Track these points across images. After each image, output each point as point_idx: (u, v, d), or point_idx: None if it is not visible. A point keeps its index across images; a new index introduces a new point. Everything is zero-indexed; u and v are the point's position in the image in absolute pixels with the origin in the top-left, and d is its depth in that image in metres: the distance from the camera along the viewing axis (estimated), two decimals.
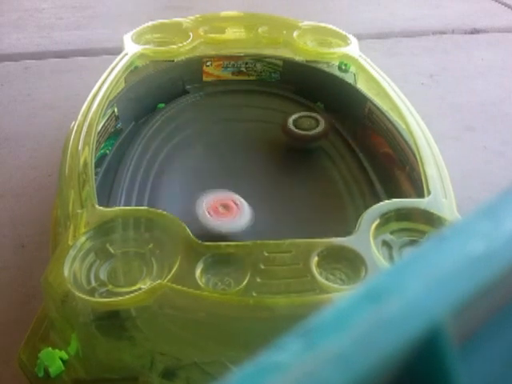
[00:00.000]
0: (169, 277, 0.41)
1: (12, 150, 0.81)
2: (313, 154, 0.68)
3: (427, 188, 0.50)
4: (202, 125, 0.71)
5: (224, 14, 0.86)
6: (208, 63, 0.77)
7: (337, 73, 0.76)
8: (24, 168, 0.77)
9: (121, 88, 0.68)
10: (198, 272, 0.41)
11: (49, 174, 0.75)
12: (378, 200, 0.51)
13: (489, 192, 0.73)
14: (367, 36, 1.18)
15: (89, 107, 0.60)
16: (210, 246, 0.43)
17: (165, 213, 0.46)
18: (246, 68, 0.79)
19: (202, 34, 0.78)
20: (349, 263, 0.43)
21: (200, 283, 0.40)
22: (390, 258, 0.43)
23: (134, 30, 0.78)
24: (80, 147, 0.54)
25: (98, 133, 0.59)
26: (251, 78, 0.79)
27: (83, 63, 1.07)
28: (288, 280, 0.42)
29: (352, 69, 0.75)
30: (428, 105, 0.92)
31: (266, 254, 0.43)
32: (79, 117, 0.59)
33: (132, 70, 0.71)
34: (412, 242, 0.45)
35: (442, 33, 1.27)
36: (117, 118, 0.66)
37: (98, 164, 0.59)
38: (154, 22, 0.81)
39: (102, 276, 0.41)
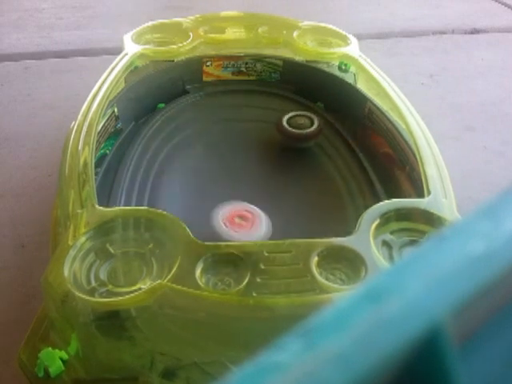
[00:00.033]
0: (169, 277, 0.41)
1: (12, 150, 0.81)
2: (313, 153, 0.68)
3: (427, 188, 0.50)
4: (202, 125, 0.71)
5: (224, 13, 0.86)
6: (208, 63, 0.77)
7: (337, 73, 0.76)
8: (24, 168, 0.77)
9: (121, 88, 0.68)
10: (198, 272, 0.41)
11: (49, 174, 0.75)
12: (378, 200, 0.51)
13: (489, 192, 0.73)
14: (367, 36, 1.18)
15: (89, 107, 0.60)
16: (210, 245, 0.43)
17: (165, 213, 0.46)
18: (246, 68, 0.79)
19: (201, 33, 0.78)
20: (349, 263, 0.43)
21: (200, 283, 0.40)
22: (390, 258, 0.43)
23: (134, 30, 0.78)
24: (80, 147, 0.54)
25: (98, 133, 0.59)
26: (251, 77, 0.79)
27: (83, 63, 1.07)
28: (288, 280, 0.42)
29: (352, 69, 0.75)
30: (428, 105, 0.92)
31: (266, 254, 0.43)
32: (79, 117, 0.59)
33: (132, 70, 0.71)
34: (412, 242, 0.45)
35: (442, 33, 1.27)
36: (117, 118, 0.66)
37: (98, 164, 0.59)
38: (154, 22, 0.81)
39: (102, 276, 0.41)
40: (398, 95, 0.65)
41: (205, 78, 0.78)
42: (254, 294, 0.40)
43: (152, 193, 0.60)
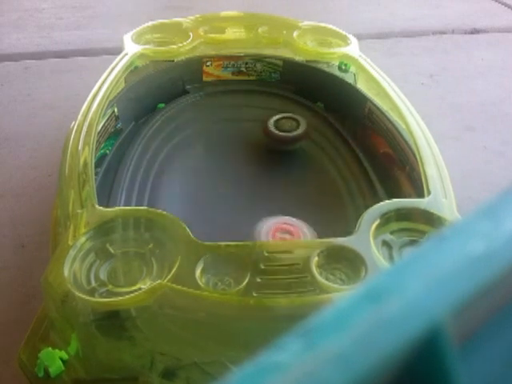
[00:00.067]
0: (169, 277, 0.41)
1: (12, 150, 0.81)
2: (312, 154, 0.68)
3: (427, 188, 0.50)
4: (202, 125, 0.71)
5: (224, 13, 0.86)
6: (208, 63, 0.77)
7: (337, 73, 0.76)
8: (24, 168, 0.77)
9: (121, 88, 0.68)
10: (198, 272, 0.41)
11: (49, 173, 0.75)
12: (378, 200, 0.51)
13: (489, 192, 0.73)
14: (367, 36, 1.18)
15: (89, 107, 0.60)
16: (210, 245, 0.43)
17: (165, 213, 0.46)
18: (246, 68, 0.79)
19: (201, 33, 0.78)
20: (349, 263, 0.43)
21: (200, 283, 0.40)
22: (390, 258, 0.43)
23: (134, 30, 0.78)
24: (80, 147, 0.54)
25: (98, 133, 0.59)
26: (251, 78, 0.79)
27: (83, 63, 1.07)
28: (288, 280, 0.42)
29: (352, 69, 0.75)
30: (428, 105, 0.92)
31: (266, 254, 0.43)
32: (79, 117, 0.59)
33: (132, 70, 0.71)
34: (412, 242, 0.45)
35: (442, 33, 1.27)
36: (117, 118, 0.66)
37: (98, 164, 0.59)
38: (154, 22, 0.81)
39: (102, 276, 0.41)
40: (398, 95, 0.65)
41: (205, 78, 0.78)
42: (254, 294, 0.40)
43: (152, 193, 0.60)
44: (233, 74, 0.79)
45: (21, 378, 0.43)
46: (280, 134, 0.67)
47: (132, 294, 0.39)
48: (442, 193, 0.49)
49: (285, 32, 0.79)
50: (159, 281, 0.40)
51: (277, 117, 0.68)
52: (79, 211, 0.46)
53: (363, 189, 0.60)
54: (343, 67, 0.76)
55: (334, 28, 0.82)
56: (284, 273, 0.42)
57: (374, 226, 0.45)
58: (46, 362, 0.41)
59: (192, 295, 0.40)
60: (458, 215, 0.47)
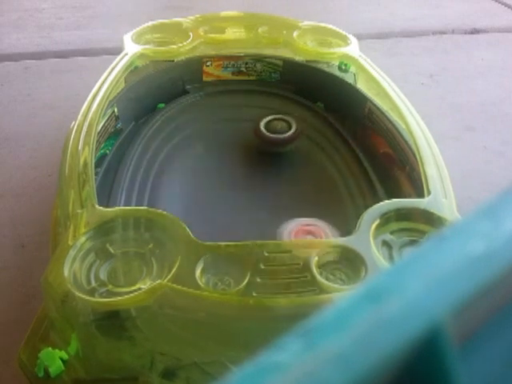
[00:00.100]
0: (169, 277, 0.41)
1: (12, 150, 0.81)
2: (312, 154, 0.68)
3: (427, 188, 0.50)
4: (202, 125, 0.71)
5: (224, 13, 0.86)
6: (208, 63, 0.77)
7: (337, 73, 0.76)
8: (24, 168, 0.77)
9: (121, 88, 0.68)
10: (198, 272, 0.41)
11: (49, 174, 0.75)
12: (378, 200, 0.51)
13: (489, 192, 0.73)
14: (367, 36, 1.18)
15: (89, 107, 0.60)
16: (210, 245, 0.43)
17: (165, 213, 0.46)
18: (246, 68, 0.79)
19: (201, 33, 0.78)
20: (349, 263, 0.43)
21: (200, 283, 0.40)
22: (390, 258, 0.43)
23: (134, 30, 0.78)
24: (80, 147, 0.54)
25: (98, 133, 0.59)
26: (251, 78, 0.79)
27: (83, 63, 1.07)
28: (288, 280, 0.42)
29: (352, 69, 0.75)
30: (428, 105, 0.92)
31: (266, 254, 0.43)
32: (79, 117, 0.59)
33: (132, 70, 0.71)
34: (412, 242, 0.45)
35: (442, 33, 1.27)
36: (117, 118, 0.66)
37: (98, 164, 0.59)
38: (154, 22, 0.81)
39: (102, 276, 0.41)
40: (398, 95, 0.65)
41: (205, 78, 0.78)
42: (254, 294, 0.40)
43: (152, 193, 0.60)
44: (233, 73, 0.79)
45: (21, 377, 0.43)
46: (270, 135, 0.67)
47: (132, 294, 0.39)
48: (442, 193, 0.49)
49: (285, 32, 0.79)
50: (159, 281, 0.40)
51: (268, 118, 0.68)
52: (79, 211, 0.46)
53: (363, 189, 0.60)
54: (343, 67, 0.76)
55: (334, 28, 0.82)
56: (284, 273, 0.42)
57: (373, 226, 0.45)
58: (46, 362, 0.41)
59: (192, 295, 0.40)
60: (457, 215, 0.47)
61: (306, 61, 0.78)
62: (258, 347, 0.16)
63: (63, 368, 0.42)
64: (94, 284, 0.41)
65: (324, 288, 0.41)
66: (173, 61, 0.76)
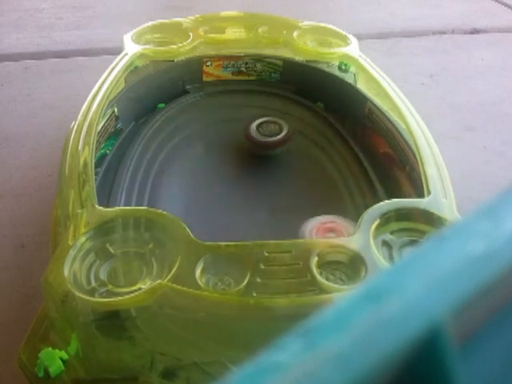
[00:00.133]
0: (169, 277, 0.41)
1: (12, 150, 0.81)
2: (312, 153, 0.68)
3: (427, 188, 0.50)
4: (202, 125, 0.71)
5: (224, 13, 0.86)
6: (208, 63, 0.77)
7: (337, 73, 0.76)
8: (24, 168, 0.77)
9: (121, 88, 0.68)
10: (198, 272, 0.41)
11: (49, 174, 0.75)
12: (378, 200, 0.51)
13: (489, 192, 0.73)
14: (367, 36, 1.18)
15: (89, 107, 0.60)
16: (210, 245, 0.43)
17: (165, 213, 0.46)
18: (246, 68, 0.79)
19: (201, 34, 0.78)
20: (349, 263, 0.43)
21: (200, 283, 0.40)
22: (390, 258, 0.43)
23: (134, 30, 0.78)
24: (80, 147, 0.54)
25: (98, 133, 0.59)
26: (251, 78, 0.79)
27: (83, 63, 1.07)
28: (288, 280, 0.42)
29: (352, 69, 0.75)
30: (428, 105, 0.92)
31: (266, 254, 0.43)
32: (79, 117, 0.59)
33: (132, 70, 0.71)
34: (412, 242, 0.45)
35: (442, 33, 1.27)
36: (117, 118, 0.66)
37: (98, 164, 0.59)
38: (154, 22, 0.81)
39: (102, 276, 0.41)
40: (398, 95, 0.65)
41: (205, 78, 0.78)
42: (254, 294, 0.40)
43: (152, 193, 0.60)
44: (233, 73, 0.79)
45: (21, 377, 0.43)
46: (260, 138, 0.66)
47: (132, 294, 0.39)
48: (442, 193, 0.49)
49: (285, 32, 0.79)
50: (159, 281, 0.40)
51: (259, 121, 0.68)
52: (79, 211, 0.46)
53: (363, 189, 0.61)
54: (343, 67, 0.76)
55: (334, 28, 0.82)
56: (284, 273, 0.42)
57: (374, 226, 0.45)
58: (46, 362, 0.41)
59: (192, 295, 0.40)
60: (457, 215, 0.47)
61: (306, 61, 0.78)
62: (258, 347, 0.16)
63: (63, 368, 0.42)
64: (94, 284, 0.41)
65: (324, 288, 0.41)
66: (173, 61, 0.76)
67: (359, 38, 0.80)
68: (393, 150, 0.63)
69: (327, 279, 0.41)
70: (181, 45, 0.75)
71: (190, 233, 0.44)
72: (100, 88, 0.63)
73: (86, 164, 0.52)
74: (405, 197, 0.56)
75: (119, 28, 0.98)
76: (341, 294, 0.40)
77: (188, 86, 0.77)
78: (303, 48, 0.77)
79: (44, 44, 1.14)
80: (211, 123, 0.72)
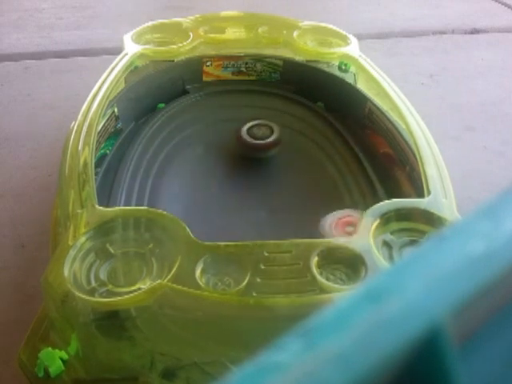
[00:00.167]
0: (169, 277, 0.41)
1: (12, 150, 0.81)
2: (312, 153, 0.68)
3: (427, 188, 0.50)
4: (202, 125, 0.71)
5: (224, 13, 0.86)
6: (208, 63, 0.77)
7: (337, 73, 0.76)
8: (24, 168, 0.77)
9: (121, 88, 0.68)
10: (198, 272, 0.41)
11: (49, 174, 0.75)
12: (378, 200, 0.51)
13: (489, 192, 0.73)
14: (367, 36, 1.18)
15: (89, 107, 0.60)
16: (210, 245, 0.43)
17: (165, 213, 0.46)
18: (246, 68, 0.79)
19: (202, 34, 0.78)
20: (349, 263, 0.43)
21: (200, 283, 0.40)
22: (390, 257, 0.43)
23: (134, 30, 0.78)
24: (80, 147, 0.54)
25: (98, 133, 0.59)
26: (251, 78, 0.79)
27: (83, 63, 1.07)
28: (288, 280, 0.42)
29: (352, 69, 0.75)
30: (428, 105, 0.92)
31: (266, 254, 0.43)
32: (79, 117, 0.59)
33: (132, 70, 0.71)
34: (412, 242, 0.45)
35: (442, 33, 1.27)
36: (117, 118, 0.66)
37: (98, 164, 0.59)
38: (154, 22, 0.81)
39: (102, 276, 0.41)
40: (398, 95, 0.65)
41: (205, 78, 0.78)
42: (254, 294, 0.40)
43: (152, 193, 0.60)
44: (233, 73, 0.79)
45: (21, 377, 0.43)
46: (252, 141, 0.66)
47: (132, 294, 0.39)
48: (442, 193, 0.49)
49: (285, 32, 0.79)
50: (159, 281, 0.40)
51: (250, 124, 0.68)
52: (79, 211, 0.46)
53: (363, 189, 0.60)
54: (343, 67, 0.76)
55: (334, 28, 0.82)
56: (284, 273, 0.42)
57: (374, 226, 0.45)
58: (46, 362, 0.41)
59: (192, 295, 0.40)
60: (457, 215, 0.47)
61: (306, 61, 0.78)
62: (258, 347, 0.16)
63: (63, 368, 0.42)
64: (93, 284, 0.41)
65: (324, 288, 0.41)
66: (173, 61, 0.76)
67: (359, 38, 0.80)
68: (393, 150, 0.63)
69: (327, 279, 0.41)
70: (181, 45, 0.75)
71: (190, 233, 0.44)
72: (100, 88, 0.63)
73: (86, 164, 0.52)
74: (405, 197, 0.56)
75: (119, 28, 0.98)
76: (341, 294, 0.40)
77: (188, 86, 0.77)
78: (303, 48, 0.77)
79: (44, 44, 1.14)
80: (211, 123, 0.72)
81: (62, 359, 0.42)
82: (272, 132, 0.67)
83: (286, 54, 0.79)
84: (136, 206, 0.57)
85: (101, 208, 0.47)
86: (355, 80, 0.74)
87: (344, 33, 0.81)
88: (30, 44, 1.14)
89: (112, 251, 0.43)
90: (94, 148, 0.55)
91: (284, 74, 0.79)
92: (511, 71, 1.10)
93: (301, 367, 0.15)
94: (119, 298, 0.40)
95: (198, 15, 0.83)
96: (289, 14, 0.88)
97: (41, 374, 0.41)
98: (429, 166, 0.53)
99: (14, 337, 0.50)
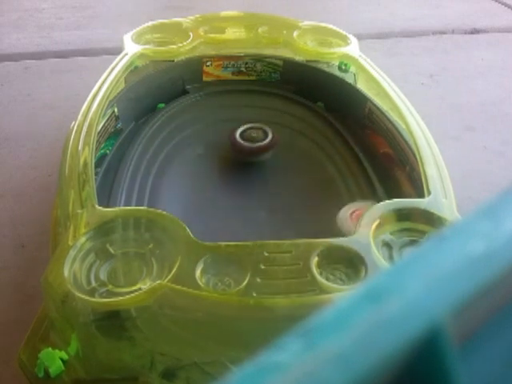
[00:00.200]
0: (169, 277, 0.41)
1: (12, 150, 0.81)
2: (312, 153, 0.68)
3: (427, 188, 0.50)
4: (202, 125, 0.71)
5: (224, 13, 0.86)
6: (208, 63, 0.77)
7: (337, 73, 0.76)
8: (24, 168, 0.77)
9: (121, 88, 0.68)
10: (198, 272, 0.41)
11: (49, 174, 0.75)
12: (378, 200, 0.51)
13: (489, 192, 0.73)
14: (367, 36, 1.18)
15: (89, 107, 0.60)
16: (210, 246, 0.43)
17: (165, 213, 0.46)
18: (246, 68, 0.79)
19: (202, 34, 0.78)
20: (349, 263, 0.43)
21: (200, 283, 0.40)
22: (390, 258, 0.43)
23: (134, 30, 0.78)
24: (80, 147, 0.54)
25: (98, 133, 0.59)
26: (251, 77, 0.79)
27: (83, 63, 1.07)
28: (288, 280, 0.42)
29: (352, 69, 0.75)
30: (428, 105, 0.92)
31: (266, 254, 0.43)
32: (79, 117, 0.59)
33: (132, 70, 0.71)
34: (412, 242, 0.45)
35: (442, 33, 1.27)
36: (117, 118, 0.66)
37: (98, 164, 0.59)
38: (154, 22, 0.81)
39: (102, 276, 0.41)
40: (398, 95, 0.65)
41: (205, 78, 0.78)
42: (254, 294, 0.40)
43: (152, 193, 0.60)
44: (233, 73, 0.79)
45: (21, 377, 0.43)
46: (245, 144, 0.66)
47: (132, 294, 0.39)
48: (442, 193, 0.49)
49: (285, 32, 0.79)
50: (159, 281, 0.40)
51: (244, 127, 0.68)
52: (79, 211, 0.46)
53: (363, 189, 0.61)
54: (343, 67, 0.76)
55: (334, 28, 0.82)
56: (284, 273, 0.42)
57: (374, 226, 0.45)
58: (46, 362, 0.41)
59: (192, 295, 0.40)
60: (457, 215, 0.47)
61: (306, 61, 0.78)
62: (258, 347, 0.16)
63: (63, 368, 0.42)
64: (94, 284, 0.41)
65: (324, 288, 0.41)
66: (173, 61, 0.76)
67: (359, 38, 0.80)
68: (393, 150, 0.63)
69: (327, 279, 0.41)
70: (181, 45, 0.75)
71: (190, 233, 0.44)
72: (100, 88, 0.63)
73: (86, 164, 0.52)
74: (405, 197, 0.56)
75: (119, 28, 0.98)
76: (341, 294, 0.40)
77: (188, 86, 0.77)
78: (303, 48, 0.77)
79: (44, 44, 1.14)
80: (211, 123, 0.72)
81: (62, 359, 0.42)
82: (266, 135, 0.66)
83: (286, 54, 0.79)
84: (136, 206, 0.57)
85: (101, 208, 0.47)
86: (355, 80, 0.74)
87: (344, 33, 0.80)
88: (29, 44, 1.14)
89: (112, 251, 0.43)
90: (94, 148, 0.55)
91: (284, 74, 0.79)
92: (511, 71, 1.10)
93: (301, 367, 0.15)
94: (119, 298, 0.40)
95: (198, 15, 0.83)
96: (289, 13, 0.88)
97: (41, 374, 0.41)
98: (429, 166, 0.53)
99: (14, 337, 0.50)
